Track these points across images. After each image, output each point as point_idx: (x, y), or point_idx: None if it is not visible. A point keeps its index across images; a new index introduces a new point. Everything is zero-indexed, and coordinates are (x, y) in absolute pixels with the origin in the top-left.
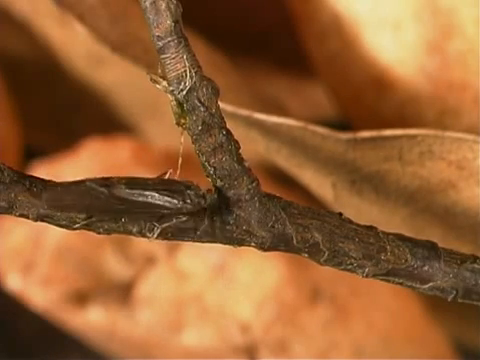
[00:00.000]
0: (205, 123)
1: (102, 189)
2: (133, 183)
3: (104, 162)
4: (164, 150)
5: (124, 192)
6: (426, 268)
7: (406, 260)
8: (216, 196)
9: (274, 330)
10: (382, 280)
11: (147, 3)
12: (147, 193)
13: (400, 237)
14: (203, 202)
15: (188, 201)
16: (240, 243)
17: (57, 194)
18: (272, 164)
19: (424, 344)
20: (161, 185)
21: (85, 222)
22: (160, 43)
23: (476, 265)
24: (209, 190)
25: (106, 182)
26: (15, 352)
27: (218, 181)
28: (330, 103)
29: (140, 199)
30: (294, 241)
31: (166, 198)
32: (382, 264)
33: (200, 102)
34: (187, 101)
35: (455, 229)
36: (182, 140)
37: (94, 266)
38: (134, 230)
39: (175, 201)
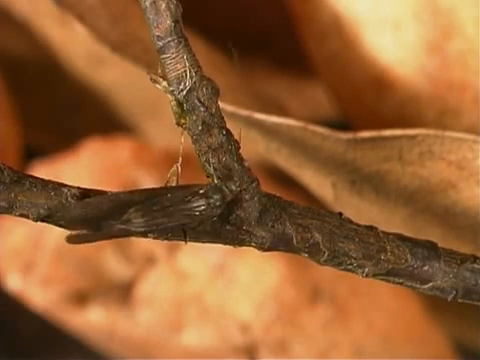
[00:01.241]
0: (205, 123)
1: (120, 226)
2: (151, 208)
3: (104, 162)
4: (164, 150)
5: (142, 224)
6: (426, 268)
7: (406, 260)
8: (236, 182)
9: (274, 330)
10: (382, 280)
11: (147, 3)
12: (167, 219)
13: (400, 237)
14: (226, 199)
15: (210, 208)
16: (240, 243)
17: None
18: (272, 164)
19: (424, 344)
20: (181, 202)
21: None
22: (160, 43)
23: (476, 265)
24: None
25: (123, 218)
26: (15, 352)
27: (218, 181)
28: (330, 103)
29: (161, 226)
30: (294, 241)
31: (187, 214)
32: (382, 264)
33: (200, 102)
34: (187, 101)
35: (455, 229)
36: (182, 140)
37: (94, 266)
38: None
39: (197, 215)
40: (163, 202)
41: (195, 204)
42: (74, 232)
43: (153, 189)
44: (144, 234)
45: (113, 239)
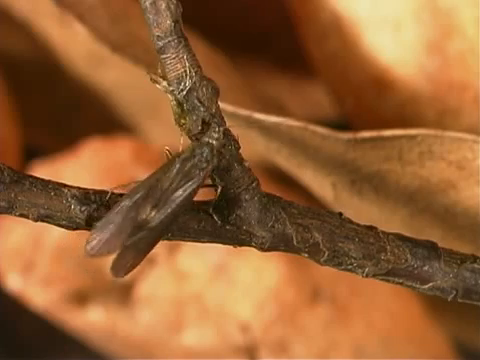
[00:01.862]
0: (205, 123)
1: (141, 234)
2: (156, 198)
3: (104, 162)
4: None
5: (158, 215)
6: (426, 268)
7: (406, 260)
8: (219, 132)
9: (274, 330)
10: (382, 280)
11: (147, 3)
12: (176, 196)
13: (400, 237)
14: (214, 148)
15: (205, 162)
16: (240, 243)
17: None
18: (272, 164)
19: (424, 344)
20: (178, 175)
21: (85, 222)
22: (160, 43)
23: (476, 265)
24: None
25: (139, 222)
26: (15, 352)
27: (218, 181)
28: (330, 103)
29: (175, 205)
30: (294, 241)
31: (190, 179)
32: (382, 264)
33: (200, 102)
34: (187, 101)
35: (455, 229)
36: (182, 140)
37: (94, 266)
38: None
39: (198, 173)
40: (162, 186)
41: (190, 167)
42: (113, 262)
43: (147, 180)
44: (167, 226)
45: (150, 251)
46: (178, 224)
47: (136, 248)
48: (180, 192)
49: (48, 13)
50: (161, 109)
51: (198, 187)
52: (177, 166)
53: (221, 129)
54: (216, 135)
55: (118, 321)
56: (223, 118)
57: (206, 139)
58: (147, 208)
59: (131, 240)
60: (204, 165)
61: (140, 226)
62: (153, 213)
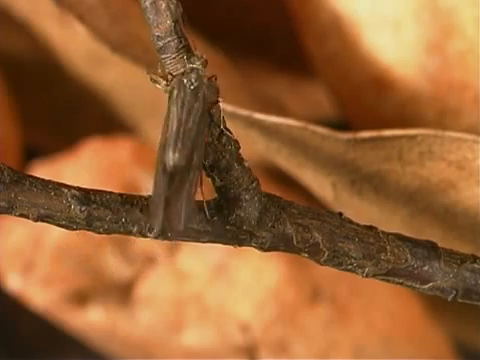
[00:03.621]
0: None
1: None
2: (176, 139)
3: (104, 162)
4: None
5: (183, 155)
6: (426, 268)
7: (406, 260)
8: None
9: (274, 330)
10: (382, 280)
11: (147, 3)
12: (189, 132)
13: (400, 237)
14: (198, 71)
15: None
16: (240, 243)
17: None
18: (272, 164)
19: (424, 344)
20: (182, 113)
21: (85, 222)
22: (160, 43)
23: (476, 265)
24: None
25: (172, 169)
26: (15, 352)
27: (218, 181)
28: (330, 103)
29: (196, 136)
30: (294, 241)
31: (194, 113)
32: (382, 264)
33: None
34: None
35: (455, 229)
36: None
37: (94, 266)
38: (134, 230)
39: (199, 104)
40: (173, 128)
41: (186, 97)
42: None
43: (161, 140)
44: (200, 160)
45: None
46: None
47: (182, 193)
48: (191, 122)
49: (48, 13)
50: (161, 109)
51: (205, 109)
52: (176, 104)
53: (204, 56)
54: (198, 61)
55: (118, 321)
56: (223, 118)
57: (189, 66)
58: (170, 153)
59: (170, 189)
60: (198, 89)
61: (173, 172)
62: (177, 154)
